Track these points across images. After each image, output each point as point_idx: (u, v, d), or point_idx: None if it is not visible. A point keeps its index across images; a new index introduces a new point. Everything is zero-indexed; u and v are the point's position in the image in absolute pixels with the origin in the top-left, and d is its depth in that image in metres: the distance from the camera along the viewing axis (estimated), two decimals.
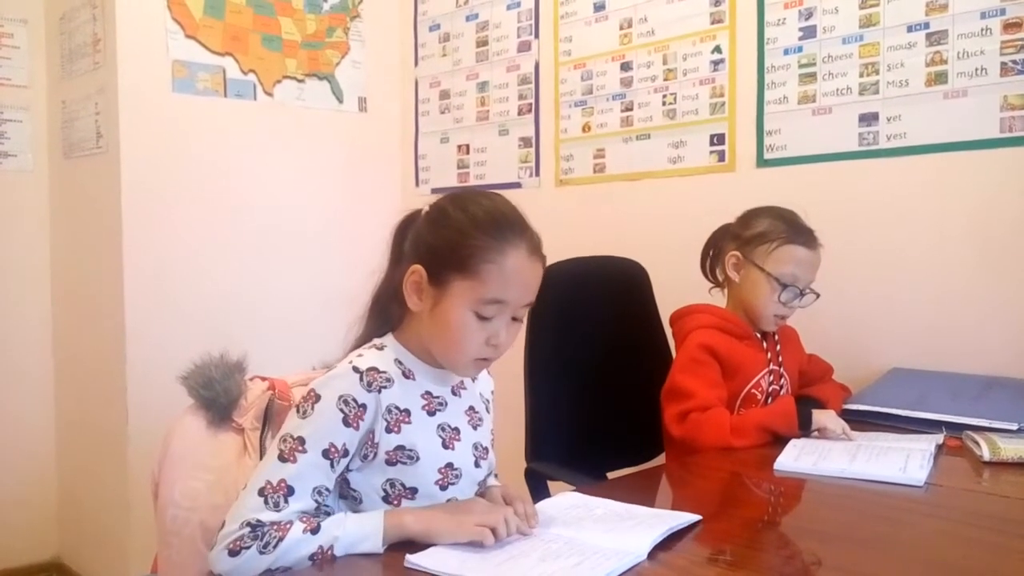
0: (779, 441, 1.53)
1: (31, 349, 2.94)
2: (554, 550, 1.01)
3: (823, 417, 1.56)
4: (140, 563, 1.80)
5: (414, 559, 0.98)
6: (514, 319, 1.15)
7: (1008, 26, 1.81)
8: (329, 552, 1.01)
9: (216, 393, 1.28)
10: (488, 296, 1.10)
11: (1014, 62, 1.81)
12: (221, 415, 1.28)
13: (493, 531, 1.01)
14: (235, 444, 1.26)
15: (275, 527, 1.02)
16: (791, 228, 1.70)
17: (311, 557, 1.01)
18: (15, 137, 2.89)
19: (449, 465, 1.16)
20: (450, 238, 1.12)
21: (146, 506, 1.34)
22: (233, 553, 1.01)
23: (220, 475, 1.19)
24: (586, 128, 2.61)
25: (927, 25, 1.93)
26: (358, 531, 1.02)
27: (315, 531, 1.02)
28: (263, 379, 1.34)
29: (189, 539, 1.17)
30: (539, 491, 1.61)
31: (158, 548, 1.29)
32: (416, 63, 3.15)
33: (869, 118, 2.02)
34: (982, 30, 1.85)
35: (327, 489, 1.08)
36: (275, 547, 1.00)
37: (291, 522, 1.02)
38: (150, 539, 1.32)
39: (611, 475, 1.65)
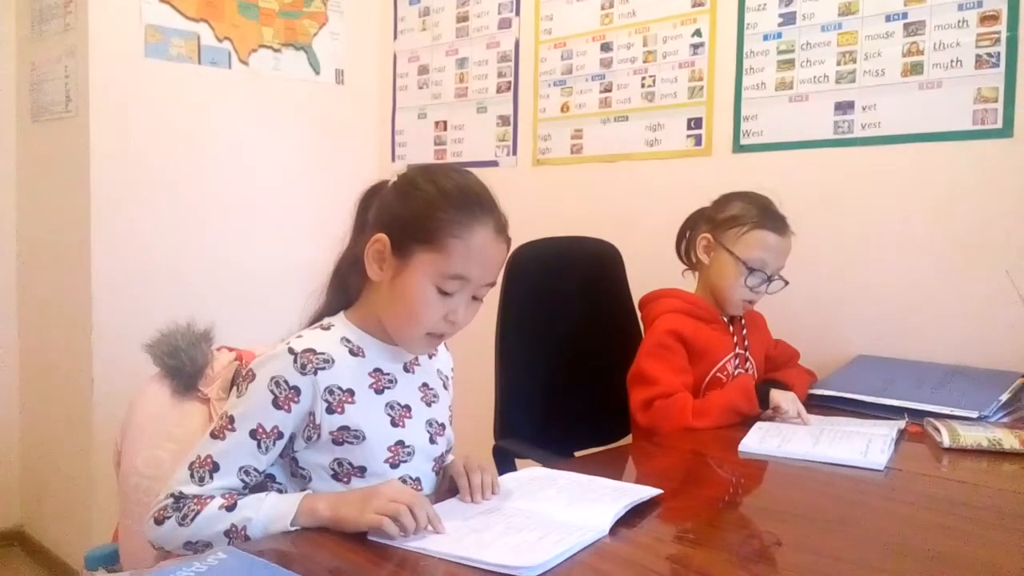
0: (744, 424, 1.55)
1: None
2: (516, 524, 1.02)
3: (779, 396, 1.58)
4: (103, 532, 1.79)
5: (375, 534, 0.97)
6: (474, 298, 1.14)
7: (985, 19, 1.83)
8: (243, 531, 1.01)
9: (181, 362, 1.27)
10: (451, 271, 1.09)
11: (989, 55, 1.82)
12: (186, 384, 1.28)
13: (399, 521, 0.96)
14: (200, 414, 1.25)
15: (195, 500, 1.03)
16: (763, 213, 1.71)
17: (226, 533, 1.01)
18: None
19: (400, 443, 1.15)
20: (417, 209, 1.11)
21: (110, 475, 1.33)
22: (158, 522, 1.04)
23: (184, 444, 1.18)
24: (564, 108, 2.60)
25: (905, 15, 1.93)
26: (272, 513, 1.02)
27: (231, 508, 1.02)
28: (230, 349, 1.34)
29: (151, 508, 1.16)
30: (507, 469, 1.60)
31: (119, 517, 1.28)
32: (395, 36, 3.11)
33: (845, 106, 2.03)
34: (959, 22, 1.86)
35: (255, 470, 1.07)
36: (192, 520, 1.02)
37: (212, 496, 1.04)
38: (113, 508, 1.32)
39: (578, 454, 1.65)
